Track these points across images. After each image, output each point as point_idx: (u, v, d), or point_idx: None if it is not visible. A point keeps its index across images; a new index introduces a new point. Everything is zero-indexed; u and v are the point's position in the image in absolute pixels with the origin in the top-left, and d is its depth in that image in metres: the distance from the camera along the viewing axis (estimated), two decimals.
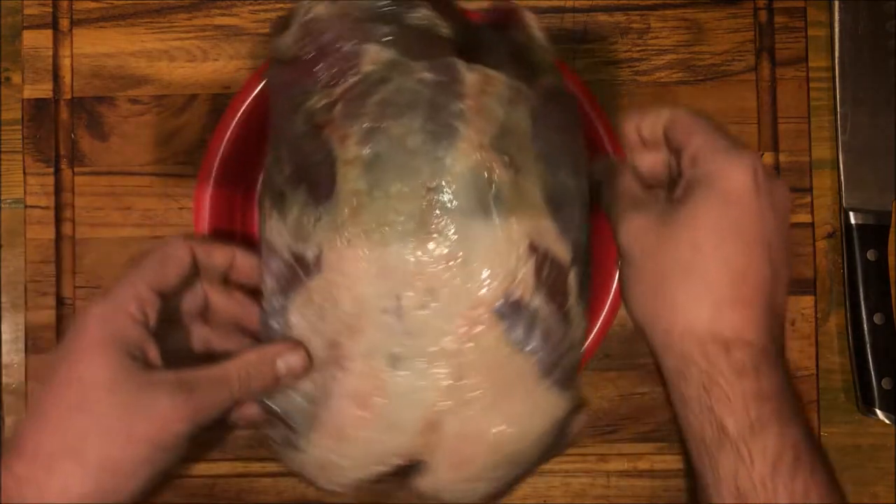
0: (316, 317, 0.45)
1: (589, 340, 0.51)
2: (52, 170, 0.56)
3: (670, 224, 0.40)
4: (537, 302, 0.44)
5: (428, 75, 0.44)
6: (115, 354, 0.40)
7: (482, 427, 0.44)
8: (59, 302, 0.56)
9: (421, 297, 0.43)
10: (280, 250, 0.45)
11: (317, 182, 0.45)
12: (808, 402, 0.55)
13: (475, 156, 0.43)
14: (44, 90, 0.56)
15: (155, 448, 0.40)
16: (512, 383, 0.44)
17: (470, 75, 0.44)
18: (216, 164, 0.52)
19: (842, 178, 0.57)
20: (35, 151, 0.56)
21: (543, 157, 0.45)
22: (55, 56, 0.56)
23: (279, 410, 0.46)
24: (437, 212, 0.43)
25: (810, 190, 0.56)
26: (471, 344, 0.44)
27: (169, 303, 0.44)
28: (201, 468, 0.55)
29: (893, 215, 0.57)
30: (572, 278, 0.45)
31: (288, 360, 0.44)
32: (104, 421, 0.39)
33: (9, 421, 0.57)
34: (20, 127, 0.56)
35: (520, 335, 0.44)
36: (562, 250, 0.44)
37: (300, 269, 0.45)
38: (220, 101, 0.56)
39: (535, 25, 0.47)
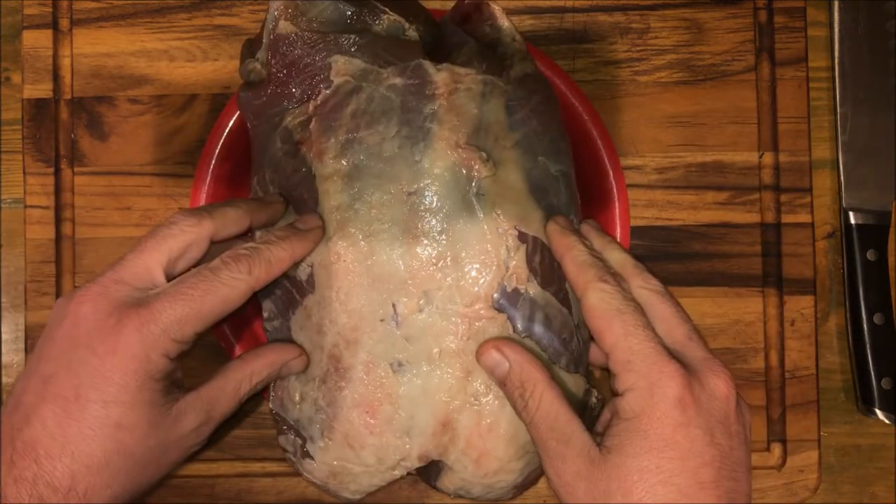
0: (315, 332, 0.45)
1: None
2: (52, 170, 0.56)
3: (600, 473, 0.39)
4: (533, 289, 0.44)
5: (398, 80, 0.44)
6: (147, 379, 0.40)
7: (496, 420, 0.44)
8: None
9: (416, 301, 0.44)
10: (269, 276, 0.45)
11: (300, 201, 0.45)
12: (808, 402, 0.55)
13: (452, 155, 0.44)
14: (44, 90, 0.56)
15: (174, 466, 0.43)
16: None
17: (439, 75, 0.44)
18: (212, 165, 0.52)
19: (842, 178, 0.57)
20: (35, 151, 0.56)
21: (522, 146, 0.45)
22: (55, 56, 0.56)
23: (291, 420, 0.46)
24: (421, 215, 0.44)
25: (810, 190, 0.56)
26: (474, 340, 0.44)
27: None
28: (201, 468, 0.55)
29: (893, 215, 0.57)
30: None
31: (289, 366, 0.46)
32: (130, 435, 0.40)
33: None
34: (20, 127, 0.56)
35: (522, 324, 0.44)
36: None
37: (295, 291, 0.45)
38: (219, 101, 0.56)
39: (501, 16, 0.47)
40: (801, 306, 0.56)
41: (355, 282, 0.44)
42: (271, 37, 0.46)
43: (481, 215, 0.44)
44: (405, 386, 0.44)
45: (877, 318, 0.56)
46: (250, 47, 0.48)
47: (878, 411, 0.56)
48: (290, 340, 0.46)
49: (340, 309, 0.44)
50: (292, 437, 0.47)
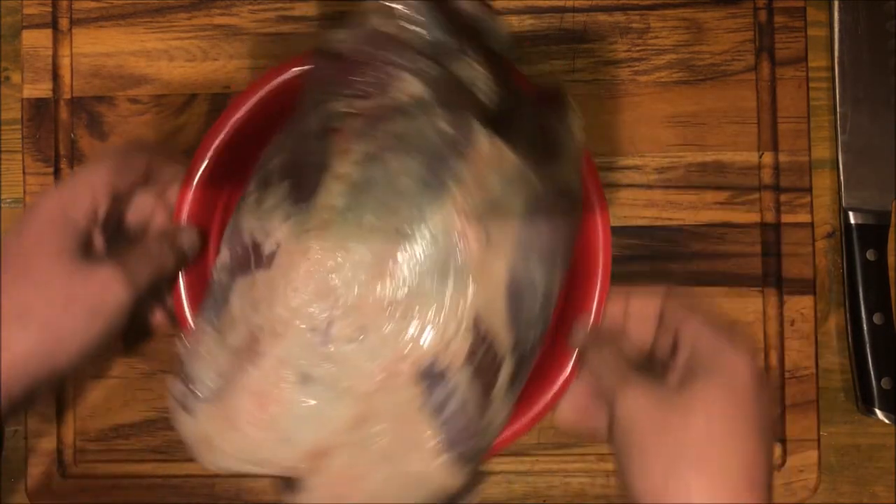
0: (250, 307, 0.45)
1: (508, 432, 0.50)
2: (51, 169, 0.56)
3: (678, 408, 0.42)
4: (461, 379, 0.44)
5: (446, 127, 0.43)
6: (63, 234, 0.44)
7: (368, 474, 0.44)
8: None
9: (351, 330, 0.43)
10: (244, 232, 0.45)
11: (301, 183, 0.45)
12: (807, 402, 0.55)
13: (455, 220, 0.43)
14: (43, 90, 0.56)
15: (93, 314, 0.44)
16: (411, 445, 0.44)
17: (484, 143, 0.43)
18: (203, 166, 0.52)
19: (841, 178, 0.57)
20: (35, 151, 0.56)
21: (522, 245, 0.44)
22: (55, 56, 0.56)
23: (189, 369, 0.46)
24: (399, 256, 0.43)
25: (810, 190, 0.56)
26: (383, 393, 0.44)
27: (116, 205, 0.47)
28: (201, 468, 0.55)
29: (893, 215, 0.57)
30: (505, 370, 0.45)
31: (187, 234, 0.49)
32: (47, 288, 0.43)
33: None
34: (20, 127, 0.56)
35: (434, 403, 0.44)
36: (504, 339, 0.44)
37: (253, 258, 0.45)
38: (219, 100, 0.56)
39: (577, 117, 0.47)
40: (800, 306, 0.56)
41: (309, 284, 0.44)
42: (365, 24, 0.45)
43: (450, 289, 0.43)
44: (303, 400, 0.44)
45: (877, 318, 0.56)
46: (342, 22, 0.48)
47: (877, 411, 0.56)
48: (227, 295, 0.46)
49: (282, 300, 0.44)
50: (182, 386, 0.46)
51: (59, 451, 0.56)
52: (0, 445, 0.52)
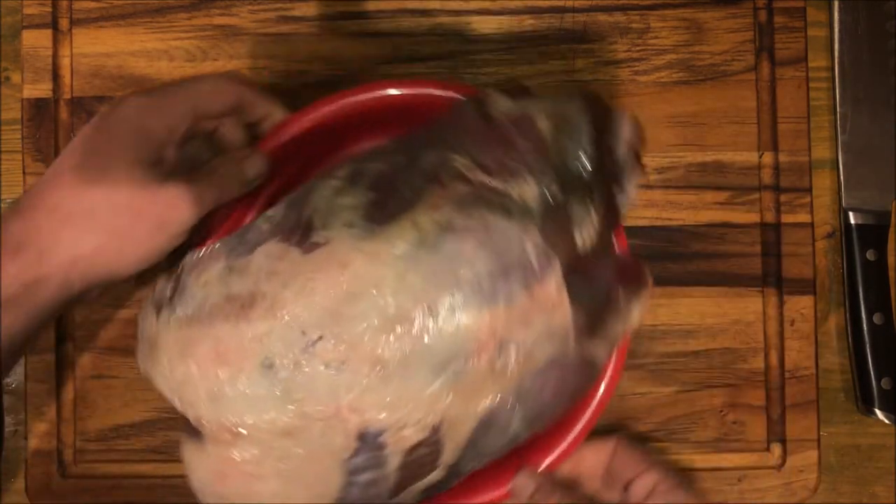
0: (267, 272, 0.44)
1: None
2: None
3: None
4: (393, 461, 0.44)
5: (531, 249, 0.43)
6: (140, 144, 0.44)
7: (261, 480, 0.44)
8: None
9: (333, 357, 0.43)
10: (309, 206, 0.45)
11: (381, 206, 0.44)
12: (808, 402, 0.55)
13: (482, 333, 0.43)
14: (43, 90, 0.56)
15: (157, 228, 0.44)
16: (314, 484, 0.44)
17: (552, 287, 0.43)
18: (296, 127, 0.51)
19: (841, 178, 0.57)
20: (35, 151, 0.56)
21: (519, 395, 0.44)
22: (55, 56, 0.56)
23: (182, 278, 0.46)
24: (414, 328, 0.43)
25: (810, 190, 0.56)
26: (322, 426, 0.43)
27: (196, 127, 0.48)
28: None
29: (893, 215, 0.57)
30: (431, 477, 0.45)
31: (253, 162, 0.49)
32: (117, 195, 0.43)
33: (9, 420, 0.57)
34: (20, 127, 0.56)
35: (356, 463, 0.44)
36: (450, 454, 0.45)
37: (300, 234, 0.45)
38: None
39: (643, 306, 0.47)
40: (800, 306, 0.56)
41: (328, 295, 0.43)
42: (526, 112, 0.45)
43: (437, 383, 0.43)
44: (254, 383, 0.43)
45: (877, 318, 0.56)
46: (511, 90, 0.47)
47: (877, 411, 0.56)
48: (256, 245, 0.46)
49: (297, 290, 0.43)
50: (169, 289, 0.46)
51: (59, 451, 0.56)
52: (0, 445, 0.52)
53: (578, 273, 0.44)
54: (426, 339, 0.43)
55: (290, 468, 0.44)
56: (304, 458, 0.44)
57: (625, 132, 0.46)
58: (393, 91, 0.50)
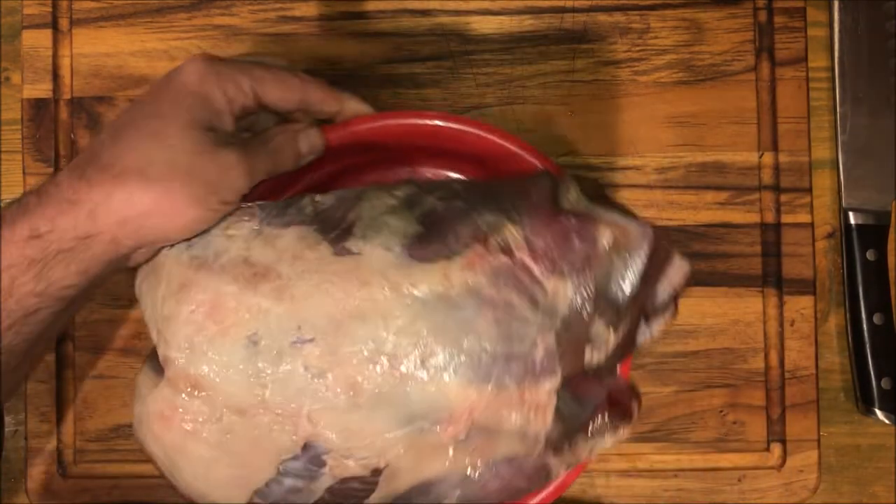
0: (293, 254, 0.44)
1: None
2: (51, 170, 0.56)
3: None
4: (323, 482, 0.44)
5: (540, 347, 0.43)
6: (199, 108, 0.44)
7: (196, 439, 0.44)
8: None
9: (315, 363, 0.43)
10: (355, 210, 0.45)
11: (426, 244, 0.44)
12: (808, 402, 0.55)
13: (458, 406, 0.43)
14: (43, 90, 0.56)
15: (210, 192, 0.43)
16: (239, 468, 0.44)
17: (544, 392, 0.43)
18: (360, 127, 0.50)
19: (841, 178, 0.57)
20: (34, 151, 0.56)
21: (464, 476, 0.44)
22: (55, 56, 0.56)
23: (212, 227, 0.46)
24: (401, 370, 0.43)
25: (810, 190, 0.56)
26: (272, 421, 0.44)
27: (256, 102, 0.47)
28: None
29: (893, 215, 0.57)
30: None
31: (308, 136, 0.48)
32: (174, 153, 0.42)
33: (9, 420, 0.57)
34: (20, 127, 0.56)
35: (288, 469, 0.44)
36: (377, 499, 0.45)
37: (337, 233, 0.44)
38: None
39: (620, 436, 0.47)
40: (800, 306, 0.56)
41: (340, 306, 0.43)
42: (595, 217, 0.45)
43: (399, 432, 0.43)
44: (234, 350, 0.43)
45: (877, 318, 0.56)
46: (571, 187, 0.47)
47: (877, 411, 0.56)
48: (291, 223, 0.46)
49: (312, 286, 0.43)
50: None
51: (59, 451, 0.56)
52: (0, 445, 0.52)
53: (572, 388, 0.45)
54: (406, 388, 0.43)
55: (228, 443, 0.44)
56: (246, 440, 0.44)
57: (674, 277, 0.47)
58: (475, 131, 0.50)
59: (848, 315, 0.57)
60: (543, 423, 0.44)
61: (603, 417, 0.46)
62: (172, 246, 0.45)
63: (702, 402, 0.56)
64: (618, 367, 0.47)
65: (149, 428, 0.45)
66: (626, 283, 0.44)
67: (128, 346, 0.56)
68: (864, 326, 0.56)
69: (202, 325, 0.43)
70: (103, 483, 0.56)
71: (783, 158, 0.56)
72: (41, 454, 0.56)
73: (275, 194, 0.50)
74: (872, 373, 0.56)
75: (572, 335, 0.44)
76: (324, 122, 0.49)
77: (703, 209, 0.56)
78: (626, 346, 0.46)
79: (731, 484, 0.55)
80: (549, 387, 0.43)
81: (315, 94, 0.48)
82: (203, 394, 0.43)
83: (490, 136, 0.49)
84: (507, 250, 0.44)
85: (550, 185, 0.46)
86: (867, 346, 0.56)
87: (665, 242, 0.46)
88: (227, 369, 0.43)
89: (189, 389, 0.43)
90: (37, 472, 0.56)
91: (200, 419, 0.44)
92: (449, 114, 0.50)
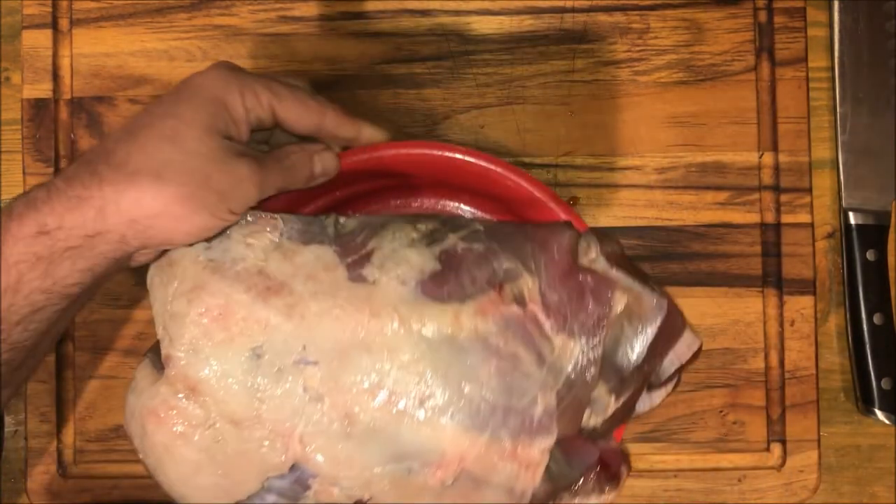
0: (308, 274, 0.44)
1: None
2: (51, 170, 0.56)
3: None
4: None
5: (540, 404, 0.43)
6: (220, 114, 0.43)
7: (181, 447, 0.44)
8: None
9: (315, 386, 0.43)
10: (375, 238, 0.45)
11: (441, 283, 0.44)
12: (807, 403, 0.55)
13: (447, 451, 0.43)
14: (43, 90, 0.56)
15: (221, 198, 0.43)
16: (224, 477, 0.44)
17: (537, 447, 0.43)
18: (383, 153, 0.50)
19: (841, 178, 0.57)
20: (34, 151, 0.56)
21: None
22: (55, 56, 0.56)
23: (230, 230, 0.46)
24: (387, 405, 0.43)
25: (810, 190, 0.56)
26: (262, 434, 0.44)
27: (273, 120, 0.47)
28: None
29: (893, 215, 0.57)
30: None
31: (323, 159, 0.48)
32: (189, 157, 0.42)
33: (9, 420, 0.57)
34: (20, 127, 0.56)
35: (273, 485, 0.44)
36: None
37: (355, 258, 0.45)
38: None
39: (606, 499, 0.47)
40: (800, 306, 0.56)
41: (352, 332, 0.43)
42: (608, 276, 0.45)
43: (387, 467, 0.43)
44: (237, 360, 0.43)
45: (877, 319, 0.56)
46: (612, 245, 0.47)
47: (877, 411, 0.56)
48: (312, 242, 0.46)
49: (324, 310, 0.43)
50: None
51: (59, 451, 0.56)
52: (0, 445, 0.52)
53: (565, 448, 0.45)
54: (401, 425, 0.43)
55: (217, 451, 0.44)
56: (236, 451, 0.44)
57: (683, 352, 0.46)
58: (499, 170, 0.49)
59: (848, 315, 0.57)
60: (532, 480, 0.44)
61: (592, 479, 0.46)
62: (192, 245, 0.45)
63: (702, 403, 0.56)
64: (612, 430, 0.47)
65: (140, 423, 0.44)
66: (634, 352, 0.45)
67: (128, 347, 0.56)
68: (864, 326, 0.56)
69: (209, 329, 0.43)
70: (103, 483, 0.56)
71: (783, 158, 0.56)
72: (41, 454, 0.56)
73: (294, 207, 0.50)
74: (872, 373, 0.56)
75: (573, 396, 0.44)
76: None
77: (703, 209, 0.56)
78: (625, 413, 0.46)
79: (731, 484, 0.55)
80: (543, 445, 0.43)
81: (332, 118, 0.47)
82: (200, 398, 0.43)
83: (516, 179, 0.49)
84: (520, 300, 0.44)
85: (571, 239, 0.45)
86: (867, 346, 0.56)
87: (679, 316, 0.46)
88: (227, 378, 0.43)
89: (187, 392, 0.43)
90: (37, 472, 0.56)
91: (193, 423, 0.43)
92: (478, 151, 0.49)
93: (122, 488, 0.55)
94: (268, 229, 0.45)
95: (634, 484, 0.56)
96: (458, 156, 0.49)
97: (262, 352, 0.43)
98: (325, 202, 0.52)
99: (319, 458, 0.43)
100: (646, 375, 0.46)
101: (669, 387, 0.48)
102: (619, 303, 0.44)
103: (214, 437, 0.44)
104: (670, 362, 0.47)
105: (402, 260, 0.44)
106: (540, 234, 0.46)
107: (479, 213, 0.54)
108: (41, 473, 0.56)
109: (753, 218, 0.56)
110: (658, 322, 0.44)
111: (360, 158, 0.49)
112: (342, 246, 0.45)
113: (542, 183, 0.49)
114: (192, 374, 0.43)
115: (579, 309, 0.44)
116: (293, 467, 0.44)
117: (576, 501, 0.46)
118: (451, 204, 0.54)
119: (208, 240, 0.45)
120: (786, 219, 0.56)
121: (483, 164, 0.49)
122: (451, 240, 0.45)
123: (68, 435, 0.56)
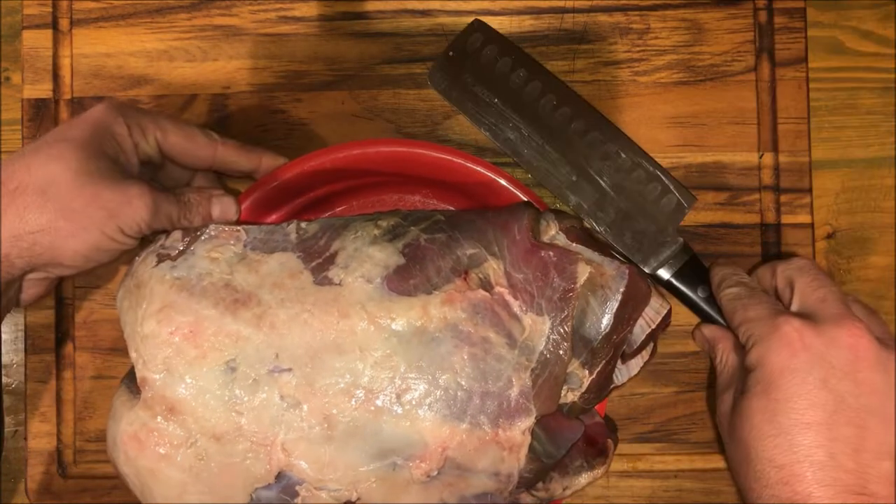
0: (275, 283, 0.44)
1: None
2: None
3: (735, 416, 0.46)
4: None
5: (515, 389, 0.43)
6: (108, 139, 0.45)
7: (166, 468, 0.44)
8: (59, 302, 0.56)
9: (291, 393, 0.43)
10: (339, 241, 0.45)
11: (407, 277, 0.44)
12: None
13: (428, 442, 0.43)
14: (43, 90, 0.56)
15: (110, 216, 0.43)
16: (212, 495, 0.44)
17: (518, 429, 0.44)
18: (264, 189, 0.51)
19: None
20: None
21: None
22: (55, 56, 0.56)
23: (191, 243, 0.47)
24: (365, 403, 0.43)
25: (810, 190, 0.56)
26: (244, 447, 0.44)
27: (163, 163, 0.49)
28: None
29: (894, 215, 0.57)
30: None
31: (222, 203, 0.49)
32: (77, 175, 0.43)
33: (9, 420, 0.57)
34: (20, 127, 0.56)
35: (261, 497, 0.45)
36: None
37: (319, 262, 0.45)
38: (219, 101, 0.56)
39: (595, 476, 0.48)
40: None
41: (323, 335, 0.43)
42: (570, 251, 0.45)
43: (371, 465, 0.43)
44: (212, 375, 0.43)
45: None
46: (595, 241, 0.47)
47: None
48: (276, 250, 0.46)
49: (288, 313, 0.44)
50: (180, 245, 0.46)
51: (59, 451, 0.56)
52: (0, 445, 0.52)
53: (548, 427, 0.45)
54: (381, 422, 0.43)
55: (201, 468, 0.44)
56: (221, 466, 0.44)
57: (651, 317, 0.47)
58: (457, 160, 0.50)
59: None
60: (517, 461, 0.44)
61: (579, 456, 0.46)
62: (158, 263, 0.45)
63: (702, 403, 0.56)
64: (593, 405, 0.47)
65: (122, 449, 0.45)
66: (601, 323, 0.45)
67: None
68: None
69: (181, 347, 0.43)
70: (103, 483, 0.56)
71: (783, 159, 0.56)
72: (41, 454, 0.56)
73: (261, 216, 0.51)
74: None
75: (549, 374, 0.44)
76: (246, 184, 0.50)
77: (703, 209, 0.56)
78: (602, 386, 0.46)
79: (731, 484, 0.55)
80: (523, 426, 0.43)
81: (224, 151, 0.49)
82: (179, 417, 0.43)
83: (472, 166, 0.50)
84: (486, 285, 0.44)
85: (531, 218, 0.45)
86: None
87: (643, 282, 0.46)
88: (204, 395, 0.43)
89: (165, 412, 0.43)
90: (37, 472, 0.56)
91: (175, 443, 0.44)
92: (434, 144, 0.50)
93: (122, 488, 0.55)
94: (231, 242, 0.46)
95: (634, 484, 0.56)
96: (417, 150, 0.49)
97: (235, 364, 0.43)
98: (289, 209, 0.52)
99: (303, 464, 0.43)
100: (617, 345, 0.46)
101: (645, 355, 0.48)
102: (583, 275, 0.44)
103: (197, 454, 0.44)
104: (640, 329, 0.47)
105: (365, 258, 0.44)
106: (501, 218, 0.46)
107: (441, 205, 0.54)
108: (41, 473, 0.56)
109: (753, 218, 0.56)
110: (622, 289, 0.45)
111: (319, 162, 0.50)
112: (305, 251, 0.45)
113: (500, 167, 0.50)
114: (169, 395, 0.43)
115: (545, 285, 0.44)
116: (279, 476, 0.44)
117: (565, 481, 0.46)
118: (413, 198, 0.54)
119: (172, 258, 0.45)
120: (786, 219, 0.56)
121: (440, 155, 0.50)
122: (414, 233, 0.45)
123: (68, 435, 0.56)
